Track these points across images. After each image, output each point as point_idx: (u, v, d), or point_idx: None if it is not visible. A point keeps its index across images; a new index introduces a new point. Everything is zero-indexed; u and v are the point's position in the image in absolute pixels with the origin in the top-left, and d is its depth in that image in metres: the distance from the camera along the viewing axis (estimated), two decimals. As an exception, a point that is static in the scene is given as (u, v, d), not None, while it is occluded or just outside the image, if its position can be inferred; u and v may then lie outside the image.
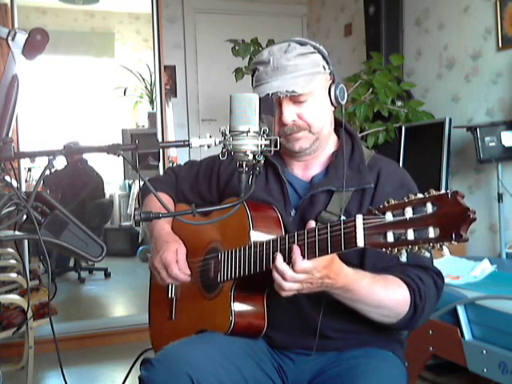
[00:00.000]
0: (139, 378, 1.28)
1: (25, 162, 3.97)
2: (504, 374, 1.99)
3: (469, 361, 2.14)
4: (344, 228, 1.08)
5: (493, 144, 2.89)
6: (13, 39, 1.09)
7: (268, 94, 1.31)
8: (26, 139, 3.65)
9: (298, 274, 1.15)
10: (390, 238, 0.99)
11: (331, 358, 1.36)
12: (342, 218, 1.32)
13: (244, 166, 1.12)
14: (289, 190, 1.43)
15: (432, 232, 0.94)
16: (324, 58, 1.39)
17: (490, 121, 3.08)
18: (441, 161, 3.10)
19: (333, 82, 1.40)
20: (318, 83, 1.37)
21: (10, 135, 1.08)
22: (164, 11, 3.89)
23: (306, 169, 1.46)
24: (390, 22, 3.76)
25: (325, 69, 1.38)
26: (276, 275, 1.17)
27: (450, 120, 3.15)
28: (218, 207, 1.34)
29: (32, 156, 1.24)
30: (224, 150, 1.10)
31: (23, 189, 3.75)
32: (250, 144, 1.09)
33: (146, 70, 5.36)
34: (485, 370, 2.08)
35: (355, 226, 1.05)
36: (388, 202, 1.01)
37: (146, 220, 1.12)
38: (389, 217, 1.00)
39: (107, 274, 5.23)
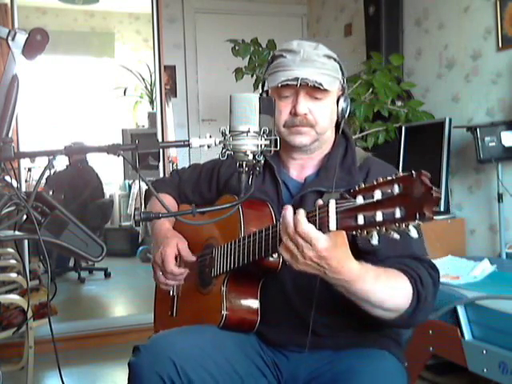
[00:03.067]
0: (128, 364, 1.32)
1: (25, 162, 3.97)
2: (504, 374, 1.99)
3: (469, 361, 2.14)
4: (319, 213, 1.09)
5: (493, 144, 2.89)
6: (13, 39, 1.09)
7: (297, 79, 1.33)
8: (26, 139, 3.65)
9: (297, 235, 1.10)
10: (361, 220, 1.01)
11: (326, 357, 1.36)
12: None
13: (244, 166, 1.13)
14: (283, 191, 1.45)
15: (398, 213, 0.95)
16: (341, 69, 1.45)
17: (490, 121, 3.08)
18: (441, 161, 3.10)
19: (342, 94, 1.45)
20: (336, 88, 1.42)
21: (10, 135, 1.08)
22: (164, 11, 3.88)
23: (302, 169, 1.48)
24: (390, 22, 3.75)
25: (341, 79, 1.44)
26: (282, 226, 1.14)
27: (450, 120, 3.15)
28: (218, 207, 1.34)
29: (32, 156, 1.24)
30: (224, 150, 1.10)
31: (23, 189, 3.75)
32: (250, 144, 1.10)
33: (146, 70, 5.36)
34: (485, 370, 2.08)
35: (328, 210, 1.06)
36: (359, 186, 1.03)
37: (146, 220, 1.13)
38: (359, 200, 1.02)
39: (107, 274, 5.23)
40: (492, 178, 3.06)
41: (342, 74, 1.45)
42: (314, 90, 1.36)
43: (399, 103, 3.47)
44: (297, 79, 1.34)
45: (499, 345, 2.05)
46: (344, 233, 1.09)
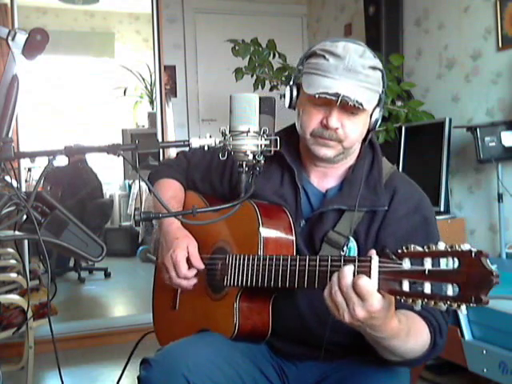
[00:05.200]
0: (138, 378, 1.28)
1: (25, 162, 3.97)
2: (504, 374, 1.99)
3: (469, 361, 2.14)
4: (358, 266, 1.02)
5: (493, 144, 2.88)
6: (13, 39, 1.09)
7: (337, 95, 1.22)
8: (26, 139, 3.65)
9: (352, 288, 1.01)
10: (406, 287, 0.94)
11: (333, 362, 1.37)
12: (351, 239, 1.29)
13: (244, 166, 1.12)
14: (302, 199, 1.38)
15: (451, 289, 0.90)
16: (383, 79, 1.32)
17: (490, 121, 3.08)
18: (441, 161, 3.10)
19: (378, 104, 1.33)
20: (375, 102, 1.31)
21: (10, 135, 1.08)
22: (164, 11, 3.88)
23: (324, 178, 1.40)
24: (389, 22, 3.75)
25: (381, 90, 1.32)
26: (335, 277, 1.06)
27: (450, 120, 3.15)
28: (218, 207, 1.33)
29: (32, 156, 1.24)
30: (224, 150, 1.10)
31: (23, 189, 3.75)
32: (250, 144, 1.10)
33: (146, 70, 5.36)
34: (485, 370, 2.08)
35: (370, 268, 0.99)
36: (407, 248, 0.96)
37: (146, 220, 1.13)
38: (406, 264, 0.95)
39: (107, 274, 5.23)
40: (492, 178, 3.06)
41: (383, 84, 1.32)
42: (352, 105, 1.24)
43: (399, 103, 3.47)
44: (337, 95, 1.22)
45: (499, 345, 2.05)
46: None
